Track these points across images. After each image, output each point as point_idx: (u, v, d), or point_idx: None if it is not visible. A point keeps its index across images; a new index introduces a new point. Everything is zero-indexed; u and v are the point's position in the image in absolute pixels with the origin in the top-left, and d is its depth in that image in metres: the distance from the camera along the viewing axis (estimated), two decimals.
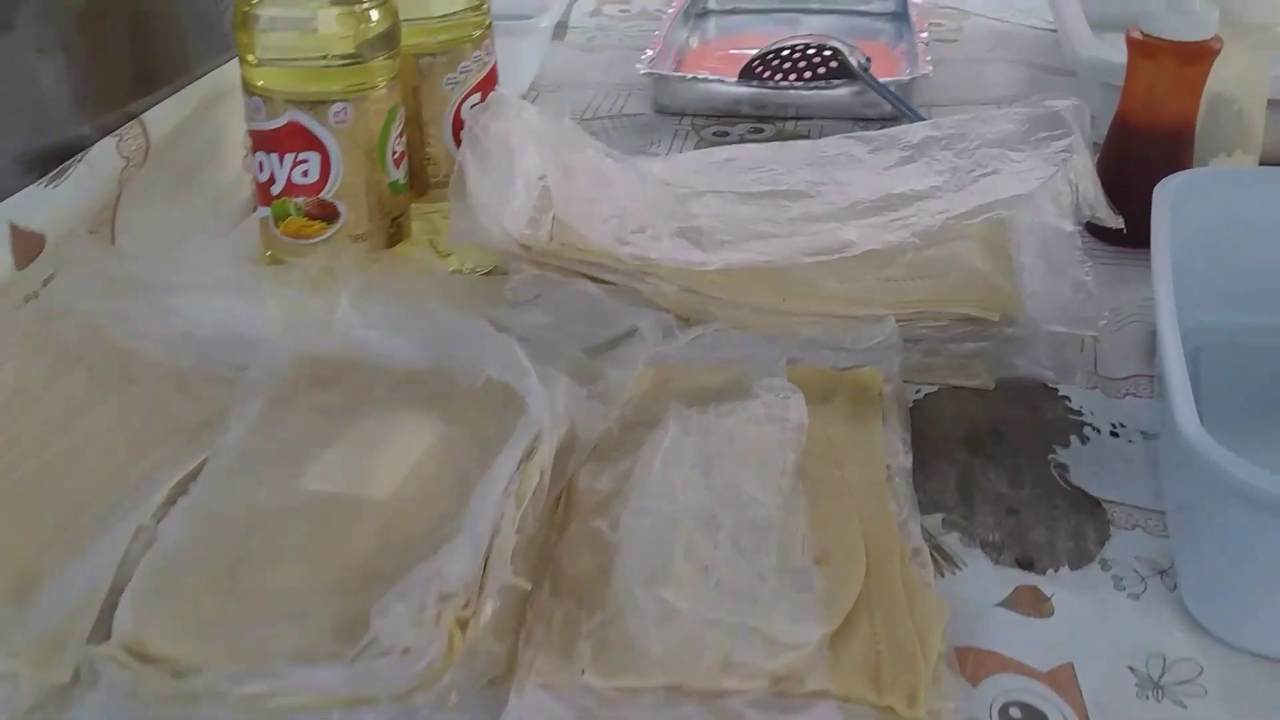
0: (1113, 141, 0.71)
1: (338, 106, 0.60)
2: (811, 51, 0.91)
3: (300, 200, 0.62)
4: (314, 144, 0.61)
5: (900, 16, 1.10)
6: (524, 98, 0.95)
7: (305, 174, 0.61)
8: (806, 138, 0.89)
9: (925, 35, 0.99)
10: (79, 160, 0.64)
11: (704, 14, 1.14)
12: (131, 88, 0.69)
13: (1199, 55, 0.67)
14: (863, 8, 1.12)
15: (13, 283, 0.60)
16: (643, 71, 0.92)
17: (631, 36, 1.13)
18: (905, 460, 0.53)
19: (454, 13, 0.67)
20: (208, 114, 0.72)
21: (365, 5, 0.61)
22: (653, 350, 0.59)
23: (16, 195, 0.61)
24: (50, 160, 0.64)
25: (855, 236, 0.64)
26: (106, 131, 0.66)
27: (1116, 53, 0.72)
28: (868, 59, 0.90)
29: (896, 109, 0.88)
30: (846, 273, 0.62)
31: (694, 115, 0.93)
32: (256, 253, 0.67)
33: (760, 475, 0.50)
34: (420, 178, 0.69)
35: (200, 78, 0.73)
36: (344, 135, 0.61)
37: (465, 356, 0.55)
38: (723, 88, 0.91)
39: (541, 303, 0.61)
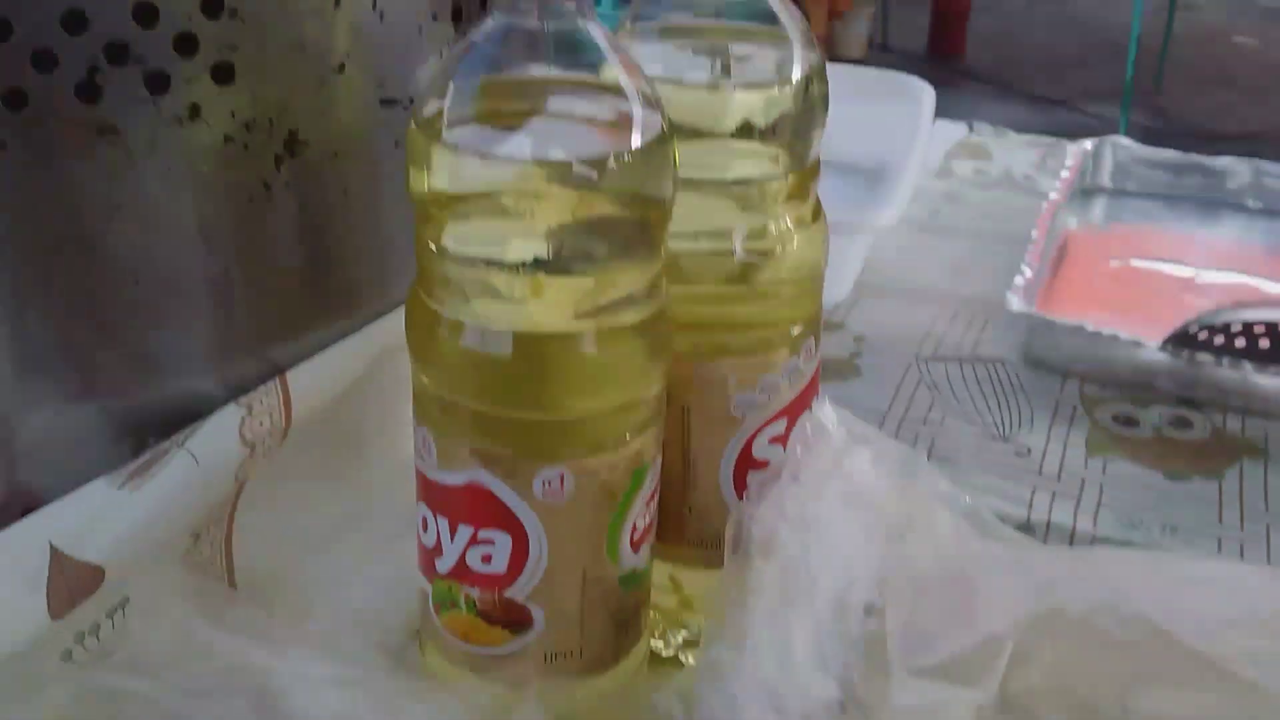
0: None
1: (548, 474, 0.36)
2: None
3: (475, 592, 0.38)
4: (505, 520, 0.37)
5: None
6: (839, 307, 0.69)
7: (487, 559, 0.37)
8: (1259, 453, 0.59)
9: None
10: (180, 444, 0.43)
11: (1090, 192, 0.85)
12: (277, 327, 0.47)
13: None
14: None
15: (49, 637, 0.40)
16: (1014, 309, 0.64)
17: (993, 214, 0.85)
18: None
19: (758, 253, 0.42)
20: (379, 369, 0.49)
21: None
22: None
23: (70, 497, 0.40)
24: (146, 431, 0.43)
25: None
26: (235, 390, 0.45)
27: None
28: None
29: None
30: None
31: (1084, 379, 0.65)
32: (412, 619, 0.44)
33: None
34: (673, 527, 0.44)
35: (375, 319, 0.49)
36: (556, 515, 0.37)
37: None
38: (1133, 351, 0.63)
39: None
